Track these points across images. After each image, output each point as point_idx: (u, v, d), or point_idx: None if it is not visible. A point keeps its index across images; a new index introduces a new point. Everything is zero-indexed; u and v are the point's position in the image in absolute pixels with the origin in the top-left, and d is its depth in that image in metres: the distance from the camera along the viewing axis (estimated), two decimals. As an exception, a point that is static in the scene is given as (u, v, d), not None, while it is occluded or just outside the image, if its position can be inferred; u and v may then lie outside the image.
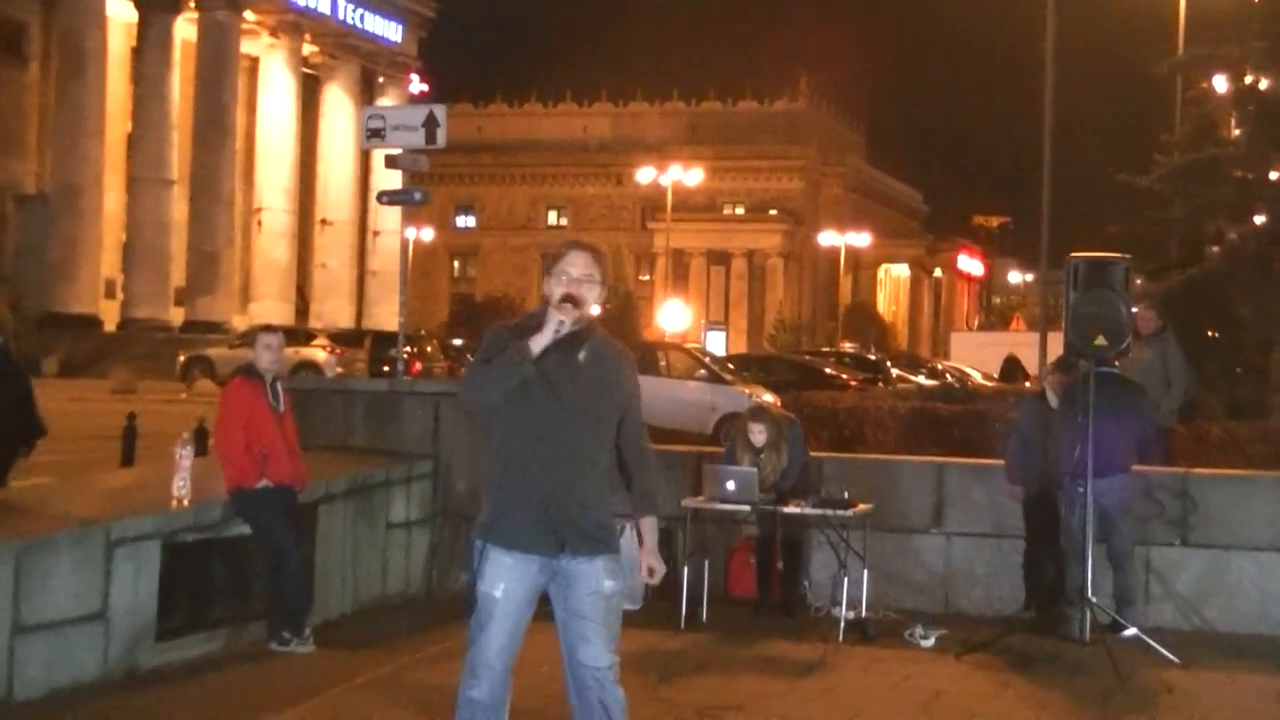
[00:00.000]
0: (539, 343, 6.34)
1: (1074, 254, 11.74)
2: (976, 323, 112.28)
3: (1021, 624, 11.67)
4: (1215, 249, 29.80)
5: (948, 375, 46.58)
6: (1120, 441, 11.73)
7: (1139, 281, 24.84)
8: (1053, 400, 12.37)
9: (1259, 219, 29.29)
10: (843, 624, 11.49)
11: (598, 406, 6.49)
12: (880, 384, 38.10)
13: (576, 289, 6.47)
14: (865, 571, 11.76)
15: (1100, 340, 11.30)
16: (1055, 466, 11.72)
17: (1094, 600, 11.16)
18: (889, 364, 46.71)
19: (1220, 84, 32.48)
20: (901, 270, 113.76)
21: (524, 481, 6.40)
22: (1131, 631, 11.20)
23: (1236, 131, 31.53)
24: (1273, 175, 29.93)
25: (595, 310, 6.61)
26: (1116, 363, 12.08)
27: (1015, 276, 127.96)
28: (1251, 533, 12.15)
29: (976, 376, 46.00)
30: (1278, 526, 12.11)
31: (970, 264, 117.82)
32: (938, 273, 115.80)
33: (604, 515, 6.54)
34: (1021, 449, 12.41)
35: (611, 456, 6.60)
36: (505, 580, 6.42)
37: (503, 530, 6.43)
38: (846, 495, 11.90)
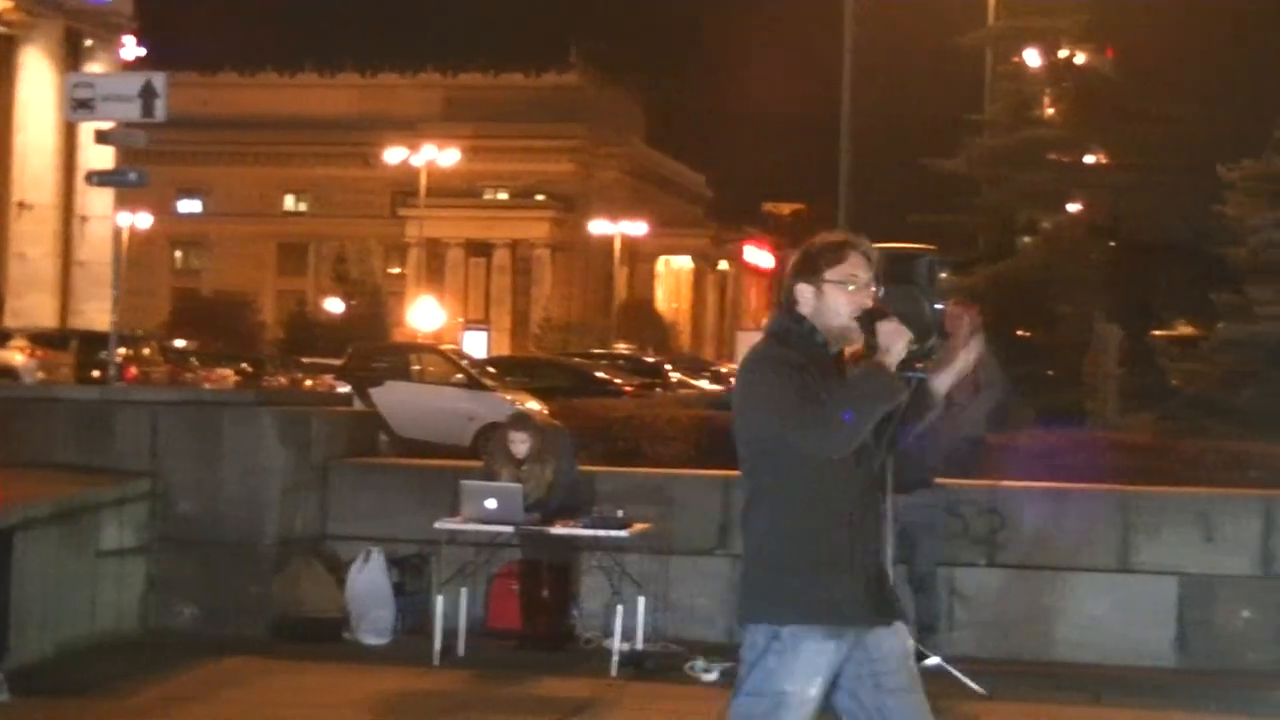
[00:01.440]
0: (893, 362, 6.06)
1: (873, 245, 11.96)
2: (767, 321, 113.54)
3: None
4: (1028, 240, 30.61)
5: (733, 380, 47.09)
6: (924, 453, 11.97)
7: (945, 276, 25.40)
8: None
9: (1074, 206, 30.18)
10: (616, 657, 11.56)
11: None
12: (659, 390, 38.38)
13: (875, 298, 6.15)
14: (641, 599, 11.85)
15: (904, 341, 11.51)
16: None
17: (895, 627, 11.37)
18: (669, 367, 47.10)
19: (1033, 58, 33.35)
20: (684, 262, 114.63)
21: (851, 539, 5.91)
22: (934, 660, 11.43)
23: (1050, 111, 32.41)
24: (1090, 159, 30.89)
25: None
26: (920, 365, 12.31)
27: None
28: (1064, 551, 12.52)
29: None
30: (1093, 544, 12.50)
31: (759, 255, 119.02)
32: (724, 265, 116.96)
33: None
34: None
35: None
36: (823, 673, 5.85)
37: (823, 603, 5.84)
38: (621, 514, 11.97)
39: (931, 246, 12.08)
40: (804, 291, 6.07)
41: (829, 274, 6.06)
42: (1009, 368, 16.54)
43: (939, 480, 12.23)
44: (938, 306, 12.10)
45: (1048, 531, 12.60)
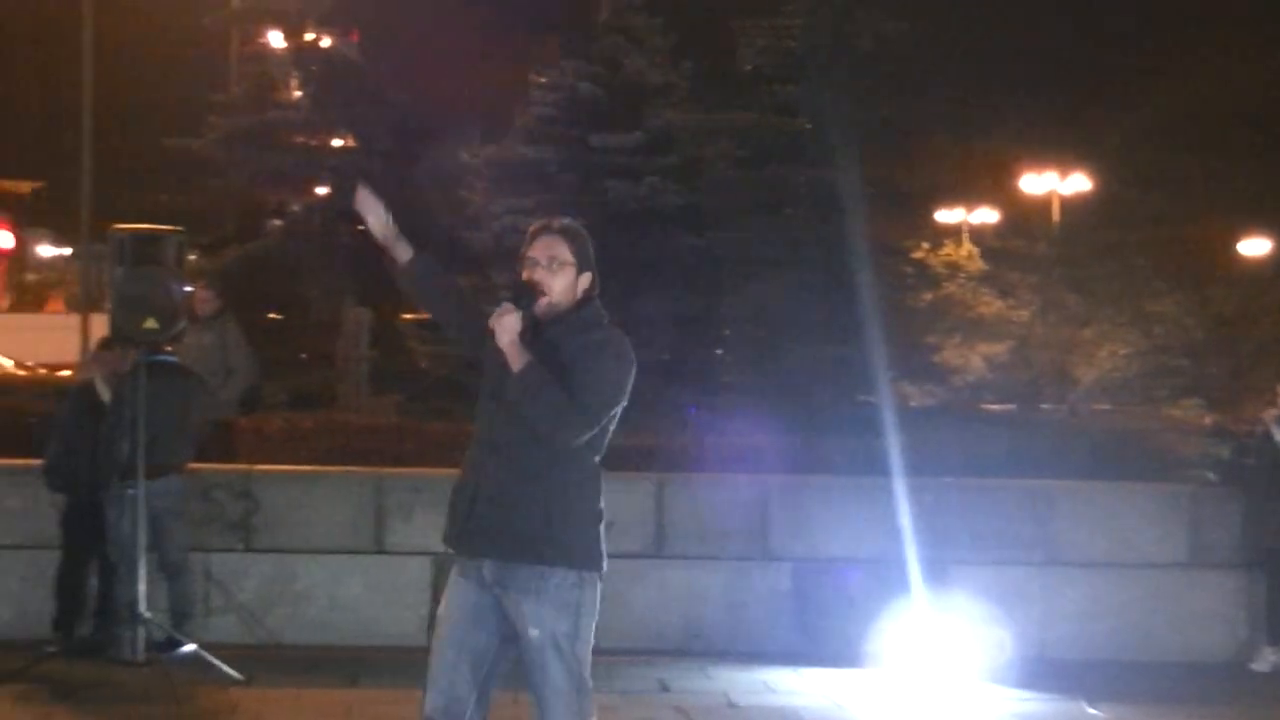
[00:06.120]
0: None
1: (119, 226, 11.71)
2: (5, 303, 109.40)
3: (67, 647, 11.52)
4: (277, 222, 30.61)
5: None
6: (176, 437, 11.80)
7: (194, 257, 25.09)
8: (104, 392, 12.15)
9: (322, 190, 30.38)
10: None
11: None
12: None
13: (539, 276, 6.29)
14: None
15: (151, 323, 11.30)
16: (104, 467, 11.58)
17: (148, 615, 11.18)
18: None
19: (277, 40, 33.35)
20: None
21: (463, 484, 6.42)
22: (190, 648, 11.31)
23: (298, 94, 32.49)
24: (336, 142, 31.15)
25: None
26: (170, 348, 12.14)
27: (49, 250, 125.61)
28: (318, 534, 12.59)
29: (7, 364, 45.04)
30: (345, 527, 12.61)
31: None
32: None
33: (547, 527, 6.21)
34: (65, 449, 12.10)
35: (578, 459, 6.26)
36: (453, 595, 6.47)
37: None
38: None
39: (179, 228, 11.91)
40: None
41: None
42: (260, 351, 16.55)
43: (190, 465, 12.10)
44: (186, 288, 11.98)
45: (302, 515, 12.63)
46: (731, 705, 10.94)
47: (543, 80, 26.03)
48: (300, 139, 31.11)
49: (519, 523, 6.20)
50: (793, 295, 23.35)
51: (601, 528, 6.35)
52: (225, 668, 10.93)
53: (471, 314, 6.52)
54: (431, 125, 30.16)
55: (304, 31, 33.43)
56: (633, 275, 23.55)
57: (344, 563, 12.56)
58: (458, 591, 6.38)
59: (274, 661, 11.58)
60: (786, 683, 11.59)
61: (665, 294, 23.39)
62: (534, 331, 6.17)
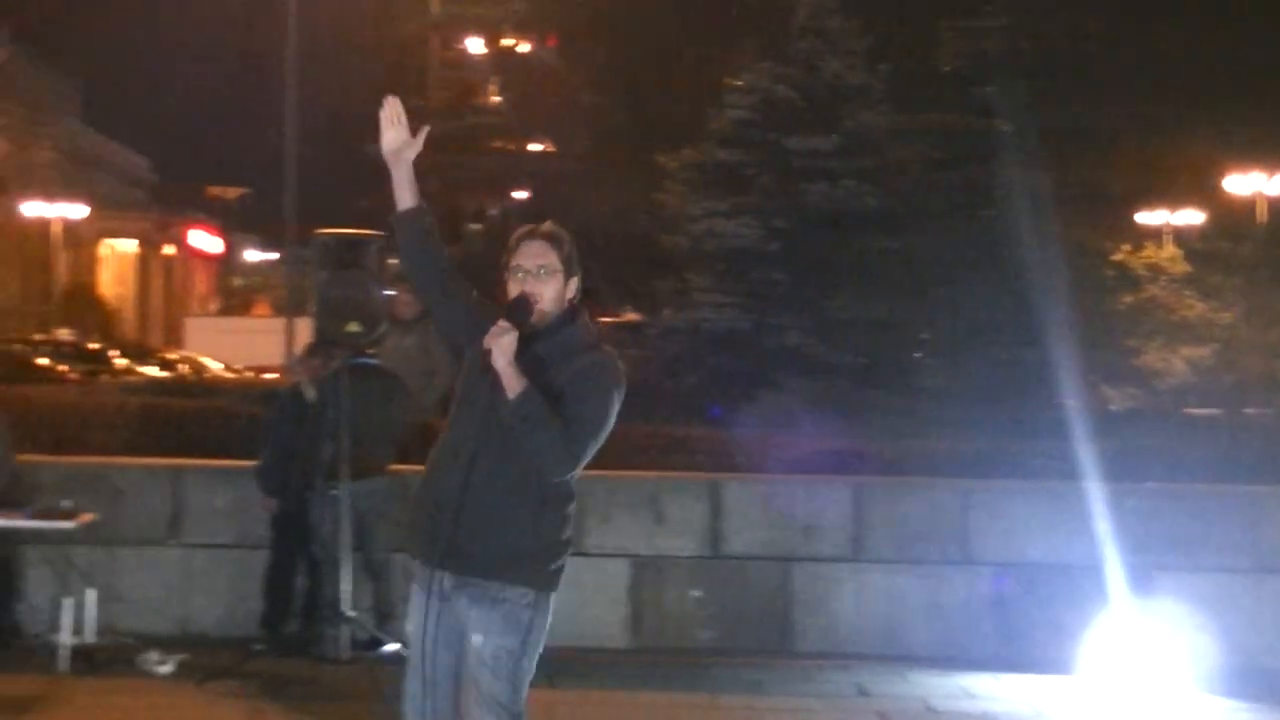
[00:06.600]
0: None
1: (322, 230, 11.84)
2: (215, 307, 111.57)
3: (274, 645, 11.69)
4: (476, 227, 30.94)
5: (181, 366, 46.24)
6: (379, 439, 11.93)
7: (395, 261, 25.34)
8: (310, 394, 12.28)
9: (520, 194, 30.67)
10: (66, 653, 11.13)
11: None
12: (105, 376, 37.30)
13: (531, 286, 6.14)
14: (90, 591, 11.46)
15: (354, 326, 11.41)
16: (310, 468, 11.73)
17: (352, 615, 11.32)
18: (114, 354, 45.88)
19: (476, 46, 33.70)
20: (129, 246, 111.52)
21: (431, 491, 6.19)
22: (393, 647, 11.41)
23: (496, 99, 32.82)
24: (534, 147, 31.44)
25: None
26: (372, 351, 12.26)
27: (256, 255, 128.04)
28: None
29: (216, 367, 45.92)
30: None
31: (206, 240, 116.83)
32: (170, 250, 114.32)
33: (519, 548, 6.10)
34: (276, 452, 12.27)
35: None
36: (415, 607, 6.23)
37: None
38: (67, 505, 11.55)
39: (381, 232, 12.02)
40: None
41: (509, 264, 6.27)
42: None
43: (392, 466, 12.21)
44: (387, 292, 12.10)
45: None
46: (930, 710, 10.84)
47: (739, 83, 26.03)
48: (498, 143, 31.45)
49: (494, 542, 6.07)
50: (991, 298, 23.13)
51: (569, 551, 6.29)
52: (428, 665, 11.00)
53: (459, 290, 6.37)
54: (628, 129, 30.26)
55: (502, 37, 33.75)
56: (829, 278, 23.46)
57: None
58: (422, 611, 6.16)
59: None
60: (986, 688, 11.44)
61: (862, 297, 23.25)
62: (522, 341, 6.03)
